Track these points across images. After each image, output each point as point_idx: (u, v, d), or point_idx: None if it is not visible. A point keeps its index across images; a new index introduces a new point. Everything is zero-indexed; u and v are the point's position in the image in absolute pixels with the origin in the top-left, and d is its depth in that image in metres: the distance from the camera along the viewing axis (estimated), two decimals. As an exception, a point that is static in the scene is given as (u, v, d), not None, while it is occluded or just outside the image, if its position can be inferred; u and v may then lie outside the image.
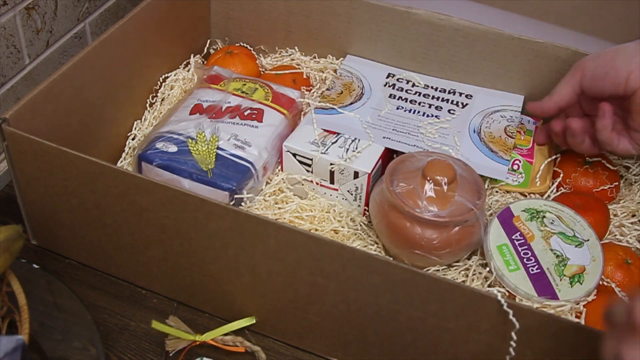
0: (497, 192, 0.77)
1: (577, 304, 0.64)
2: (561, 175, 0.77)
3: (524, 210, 0.69)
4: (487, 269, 0.67)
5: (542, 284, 0.64)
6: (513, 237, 0.67)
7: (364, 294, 0.58)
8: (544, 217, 0.68)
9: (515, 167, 0.76)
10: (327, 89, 0.83)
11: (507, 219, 0.68)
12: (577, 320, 0.63)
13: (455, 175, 0.66)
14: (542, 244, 0.66)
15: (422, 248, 0.65)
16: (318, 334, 0.64)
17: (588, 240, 0.67)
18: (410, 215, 0.64)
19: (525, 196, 0.76)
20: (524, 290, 0.64)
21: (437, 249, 0.64)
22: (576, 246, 0.66)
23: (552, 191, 0.77)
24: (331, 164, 0.72)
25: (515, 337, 0.53)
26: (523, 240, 0.67)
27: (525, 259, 0.66)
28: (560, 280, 0.64)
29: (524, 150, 0.77)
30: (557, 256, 0.66)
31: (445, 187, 0.65)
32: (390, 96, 0.82)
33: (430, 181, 0.65)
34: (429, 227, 0.64)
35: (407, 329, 0.59)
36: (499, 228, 0.68)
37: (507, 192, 0.77)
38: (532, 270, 0.65)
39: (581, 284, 0.64)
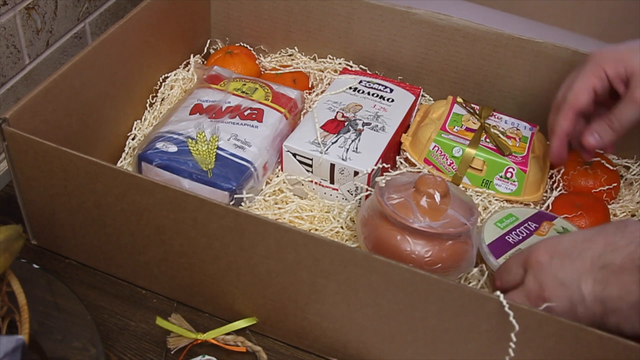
0: (488, 200, 0.76)
1: None
2: (560, 175, 0.77)
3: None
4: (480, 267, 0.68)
5: (502, 250, 0.66)
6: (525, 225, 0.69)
7: (364, 294, 0.58)
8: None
9: (508, 175, 0.75)
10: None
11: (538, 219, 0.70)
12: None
13: (448, 191, 0.65)
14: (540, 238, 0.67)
15: (413, 262, 0.62)
16: (318, 334, 0.64)
17: None
18: (402, 225, 0.62)
19: (514, 204, 0.75)
20: (485, 243, 0.67)
21: (428, 264, 0.62)
22: None
23: (551, 189, 0.77)
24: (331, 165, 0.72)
25: (514, 339, 0.53)
26: (531, 231, 0.68)
27: (513, 232, 0.68)
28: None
29: (518, 158, 0.75)
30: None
31: (438, 201, 0.64)
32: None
33: (423, 194, 0.64)
34: (420, 238, 0.62)
35: (407, 329, 0.59)
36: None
37: (498, 200, 0.76)
38: (509, 239, 0.67)
39: None
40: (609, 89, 0.65)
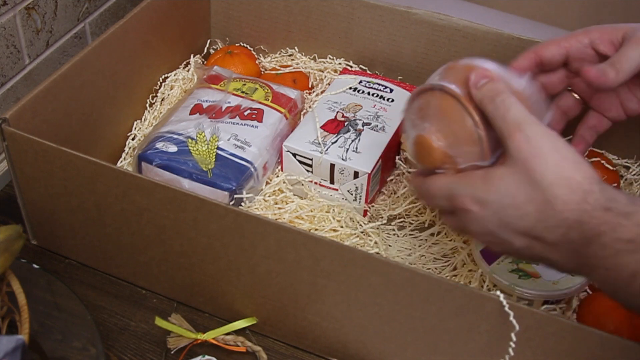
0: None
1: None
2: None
3: None
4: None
5: (496, 256, 0.66)
6: None
7: (364, 294, 0.58)
8: None
9: None
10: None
11: None
12: (576, 321, 0.63)
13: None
14: None
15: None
16: (318, 334, 0.64)
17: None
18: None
19: None
20: (478, 249, 0.67)
21: None
22: None
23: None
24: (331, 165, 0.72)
25: (514, 339, 0.53)
26: None
27: None
28: (510, 262, 0.66)
29: None
30: None
31: None
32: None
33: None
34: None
35: (407, 329, 0.59)
36: None
37: None
38: None
39: (520, 278, 0.65)
40: (589, 57, 0.61)
